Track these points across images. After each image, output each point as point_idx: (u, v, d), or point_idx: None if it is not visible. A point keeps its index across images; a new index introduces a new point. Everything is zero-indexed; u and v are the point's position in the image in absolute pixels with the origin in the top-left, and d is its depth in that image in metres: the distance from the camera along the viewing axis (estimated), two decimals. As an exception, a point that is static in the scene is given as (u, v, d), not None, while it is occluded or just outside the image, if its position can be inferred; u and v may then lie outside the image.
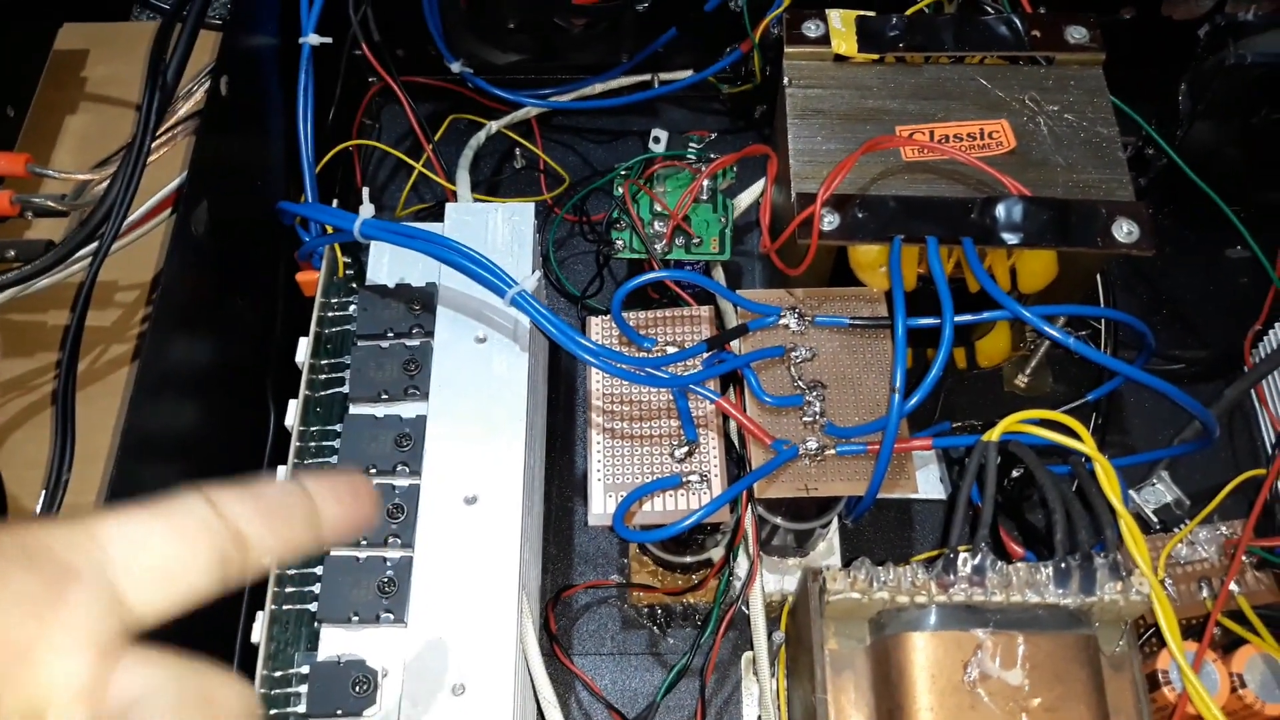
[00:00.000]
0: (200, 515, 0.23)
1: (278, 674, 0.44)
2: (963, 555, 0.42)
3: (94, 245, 0.49)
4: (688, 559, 0.52)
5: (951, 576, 0.41)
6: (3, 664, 0.19)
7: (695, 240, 0.56)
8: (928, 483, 0.55)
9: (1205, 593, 0.49)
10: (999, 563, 0.42)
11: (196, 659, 0.22)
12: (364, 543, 0.45)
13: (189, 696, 0.21)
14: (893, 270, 0.47)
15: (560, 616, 0.54)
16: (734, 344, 0.48)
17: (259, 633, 0.44)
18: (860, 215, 0.49)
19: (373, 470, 0.46)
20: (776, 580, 0.53)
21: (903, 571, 0.42)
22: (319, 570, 0.45)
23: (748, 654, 0.52)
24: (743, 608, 0.50)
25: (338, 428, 0.48)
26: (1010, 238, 0.48)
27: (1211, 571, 0.50)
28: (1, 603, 0.19)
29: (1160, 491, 0.53)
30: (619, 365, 0.46)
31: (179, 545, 0.22)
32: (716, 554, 0.52)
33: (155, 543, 0.22)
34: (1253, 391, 0.57)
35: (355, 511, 0.27)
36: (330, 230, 0.52)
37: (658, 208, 0.57)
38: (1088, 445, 0.43)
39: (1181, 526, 0.51)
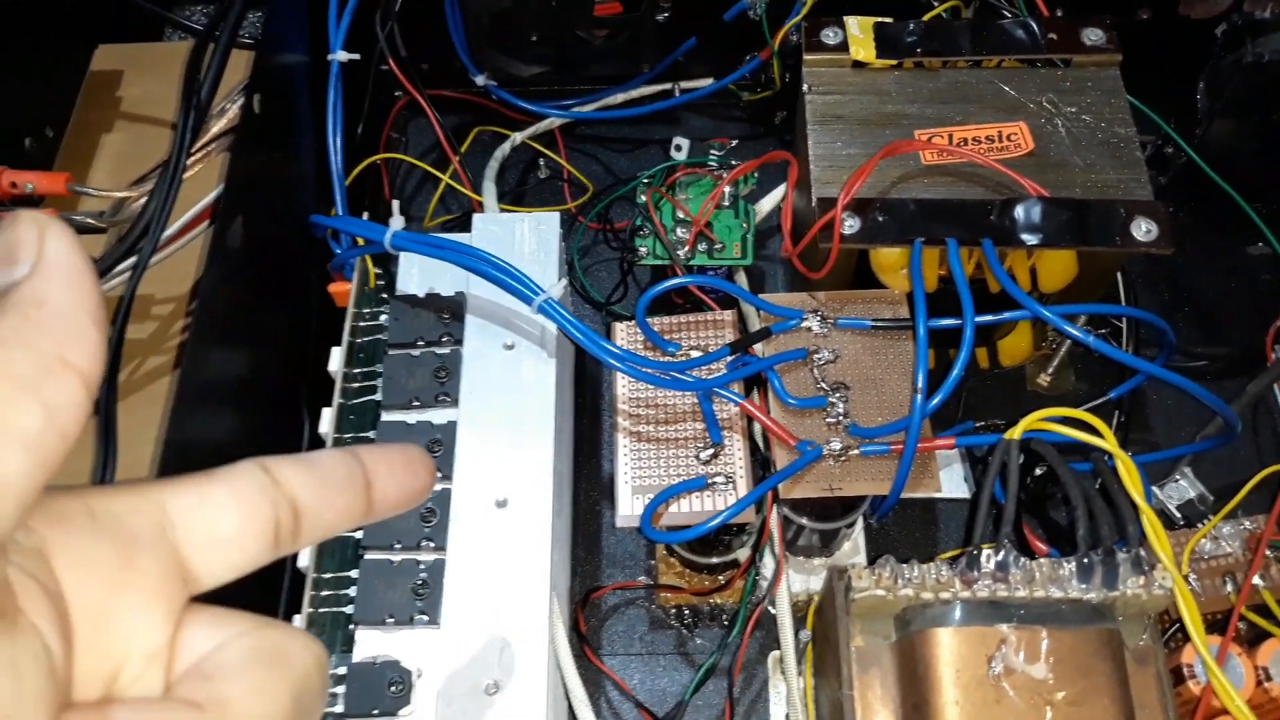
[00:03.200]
0: (259, 483, 0.22)
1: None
2: (986, 552, 0.42)
3: (132, 260, 0.50)
4: (714, 560, 0.53)
5: (975, 573, 0.42)
6: (79, 628, 0.19)
7: (718, 246, 0.57)
8: (951, 481, 0.56)
9: (1229, 587, 0.49)
10: (1022, 558, 0.42)
11: (260, 616, 0.22)
12: (398, 546, 0.46)
13: (262, 651, 0.21)
14: (913, 272, 0.48)
15: (589, 617, 0.55)
16: (757, 347, 0.49)
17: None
18: (881, 219, 0.50)
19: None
20: (802, 580, 0.53)
21: (927, 568, 0.42)
22: (354, 574, 0.47)
23: (775, 653, 0.53)
24: (769, 607, 0.51)
25: (371, 435, 0.49)
26: (1030, 238, 0.49)
27: (1236, 566, 0.50)
28: (74, 568, 0.19)
29: (1183, 487, 0.54)
30: (644, 370, 0.47)
31: (239, 513, 0.22)
32: (743, 554, 0.53)
33: (216, 510, 0.21)
34: (1275, 386, 0.57)
35: (409, 482, 0.26)
36: (361, 242, 0.53)
37: (680, 214, 0.58)
38: (1109, 443, 0.44)
39: (1205, 522, 0.51)
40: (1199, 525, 0.51)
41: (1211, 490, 0.54)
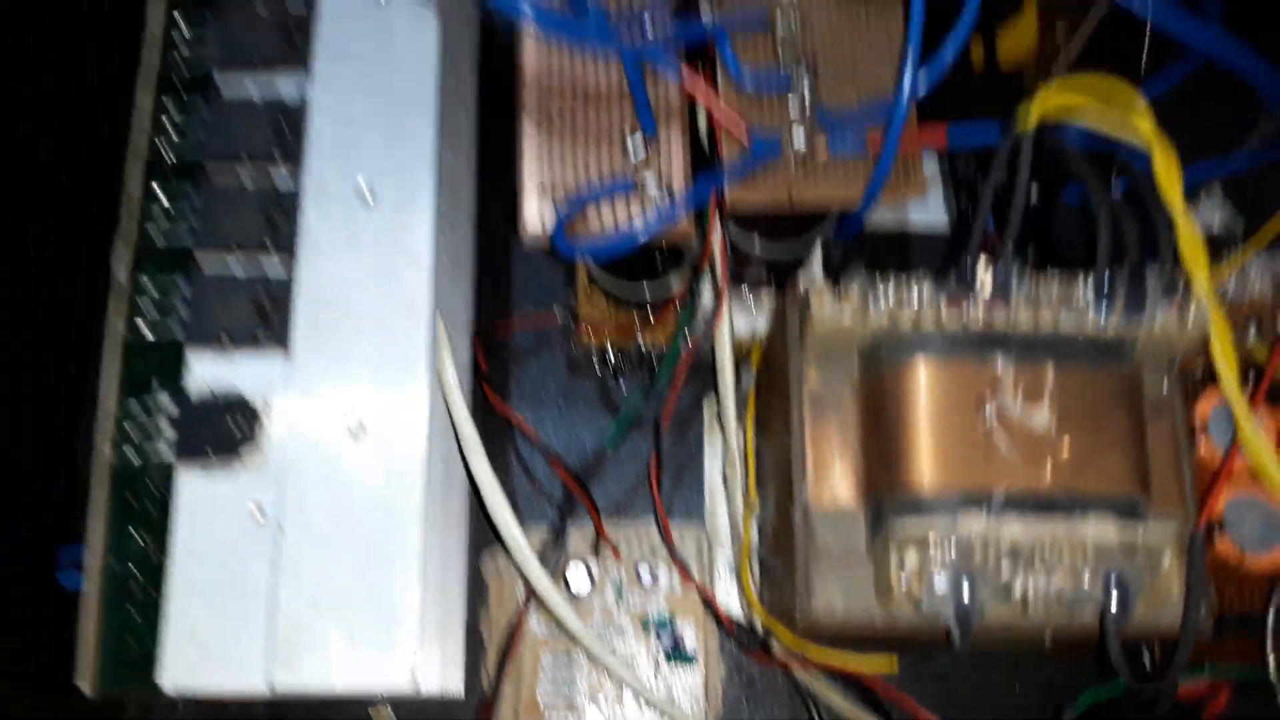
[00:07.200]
0: None
1: (134, 409, 0.36)
2: (982, 266, 0.33)
3: None
4: (644, 289, 0.44)
5: (967, 293, 0.33)
6: None
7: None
8: (932, 205, 0.47)
9: (1254, 335, 0.41)
10: (1026, 276, 0.33)
11: None
12: (236, 248, 0.36)
13: None
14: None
15: (493, 359, 0.46)
16: (704, 5, 0.38)
17: (107, 359, 0.35)
18: None
19: (244, 158, 0.37)
20: (746, 318, 0.44)
21: (905, 287, 0.33)
22: (182, 283, 0.37)
23: (711, 401, 0.45)
24: (707, 347, 0.42)
25: (201, 102, 0.38)
26: None
27: (1263, 310, 0.42)
28: None
29: (1210, 212, 0.45)
30: (557, 23, 0.36)
31: None
32: (677, 284, 0.44)
33: None
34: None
35: None
36: None
37: None
38: (1145, 124, 0.34)
39: (1234, 253, 0.42)
40: (1225, 259, 0.42)
41: (1244, 218, 0.45)
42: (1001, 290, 0.33)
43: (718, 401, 0.41)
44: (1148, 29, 0.38)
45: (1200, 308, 0.34)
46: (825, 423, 0.35)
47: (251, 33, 0.38)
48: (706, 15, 0.38)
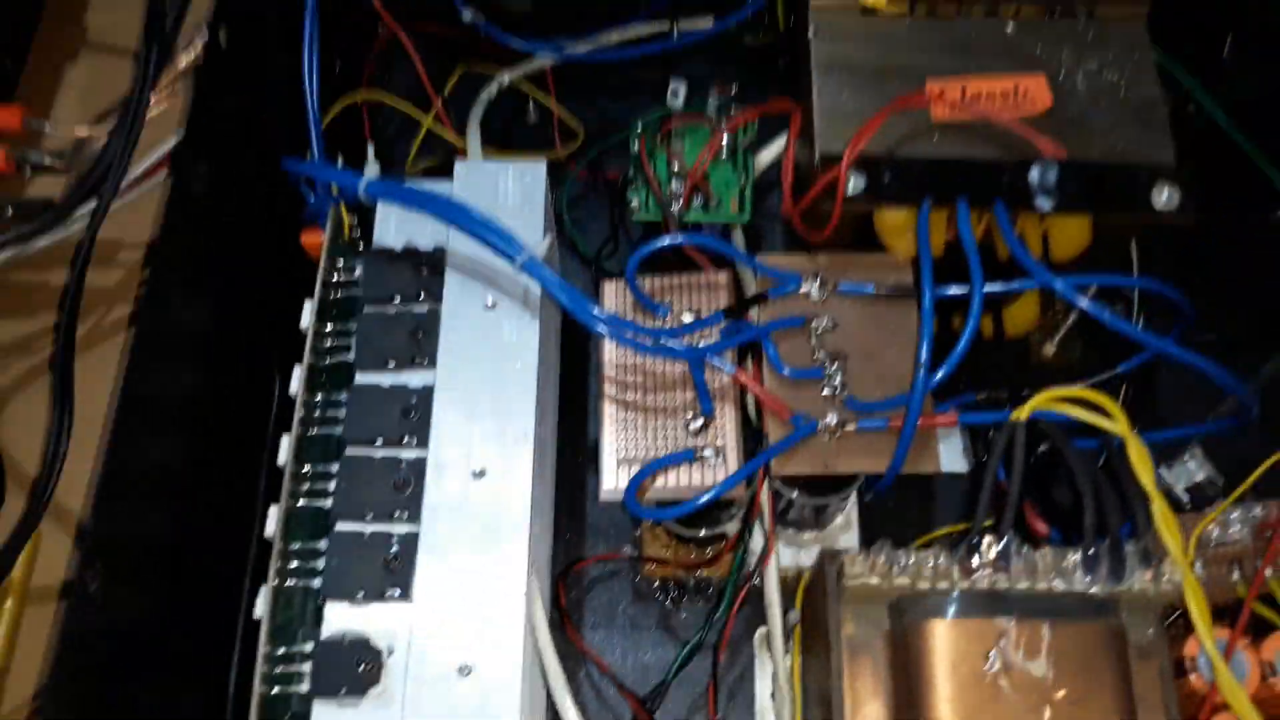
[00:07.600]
0: None
1: (281, 651, 0.43)
2: (987, 539, 0.40)
3: (92, 203, 0.47)
4: (702, 532, 0.51)
5: (975, 561, 0.40)
6: None
7: (714, 201, 0.54)
8: (950, 454, 0.53)
9: (1236, 576, 0.47)
10: (1025, 548, 0.40)
11: None
12: (370, 516, 0.44)
13: None
14: (920, 235, 0.45)
15: (570, 590, 0.53)
16: (752, 312, 0.47)
17: (261, 608, 0.43)
18: (887, 177, 0.47)
19: (379, 441, 0.45)
20: (792, 555, 0.51)
21: (924, 556, 0.40)
22: (323, 545, 0.44)
23: (761, 631, 0.51)
24: (757, 584, 0.49)
25: (342, 396, 0.47)
26: (1044, 203, 0.46)
27: (1244, 554, 0.48)
28: None
29: (1192, 469, 0.51)
30: (632, 336, 0.44)
31: None
32: (731, 528, 0.51)
33: None
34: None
35: None
36: (335, 190, 0.50)
37: (675, 166, 0.54)
38: (1120, 424, 0.41)
39: (1214, 506, 0.49)
40: (1208, 509, 0.49)
41: (1222, 473, 0.51)
42: (1003, 559, 0.40)
43: (768, 632, 0.48)
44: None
45: (1174, 570, 0.40)
46: (860, 665, 0.41)
47: (384, 333, 0.47)
48: (754, 319, 0.46)
